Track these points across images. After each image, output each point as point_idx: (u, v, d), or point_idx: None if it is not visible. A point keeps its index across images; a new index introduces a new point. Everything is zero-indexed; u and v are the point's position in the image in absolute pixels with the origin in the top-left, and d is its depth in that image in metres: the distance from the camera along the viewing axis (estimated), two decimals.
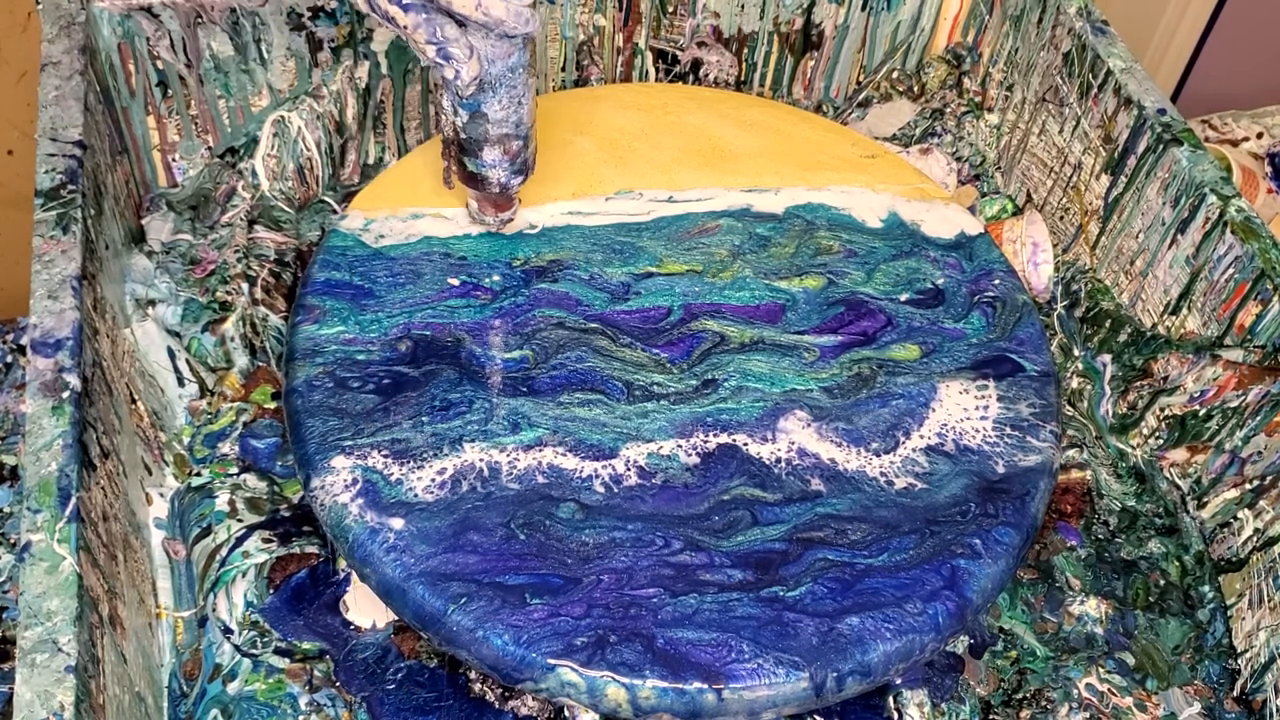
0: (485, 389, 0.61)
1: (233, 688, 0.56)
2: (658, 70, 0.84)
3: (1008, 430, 0.62)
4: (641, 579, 0.54)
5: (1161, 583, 0.65)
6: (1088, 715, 0.59)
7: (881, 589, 0.55)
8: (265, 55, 0.71)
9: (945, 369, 0.65)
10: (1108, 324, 0.73)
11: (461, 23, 0.56)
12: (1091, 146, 0.75)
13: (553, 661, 0.51)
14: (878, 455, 0.61)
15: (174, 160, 0.73)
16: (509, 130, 0.61)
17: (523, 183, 0.65)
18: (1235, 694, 0.61)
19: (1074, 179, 0.77)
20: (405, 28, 0.56)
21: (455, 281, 0.66)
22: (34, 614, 0.45)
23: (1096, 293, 0.74)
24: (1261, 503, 0.63)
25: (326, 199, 0.76)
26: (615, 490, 0.58)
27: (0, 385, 0.72)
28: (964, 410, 0.63)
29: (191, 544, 0.60)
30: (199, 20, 0.68)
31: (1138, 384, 0.70)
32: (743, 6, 0.82)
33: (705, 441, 0.60)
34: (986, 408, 0.63)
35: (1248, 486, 0.64)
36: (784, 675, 0.52)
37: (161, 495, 0.62)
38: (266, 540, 0.60)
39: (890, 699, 0.58)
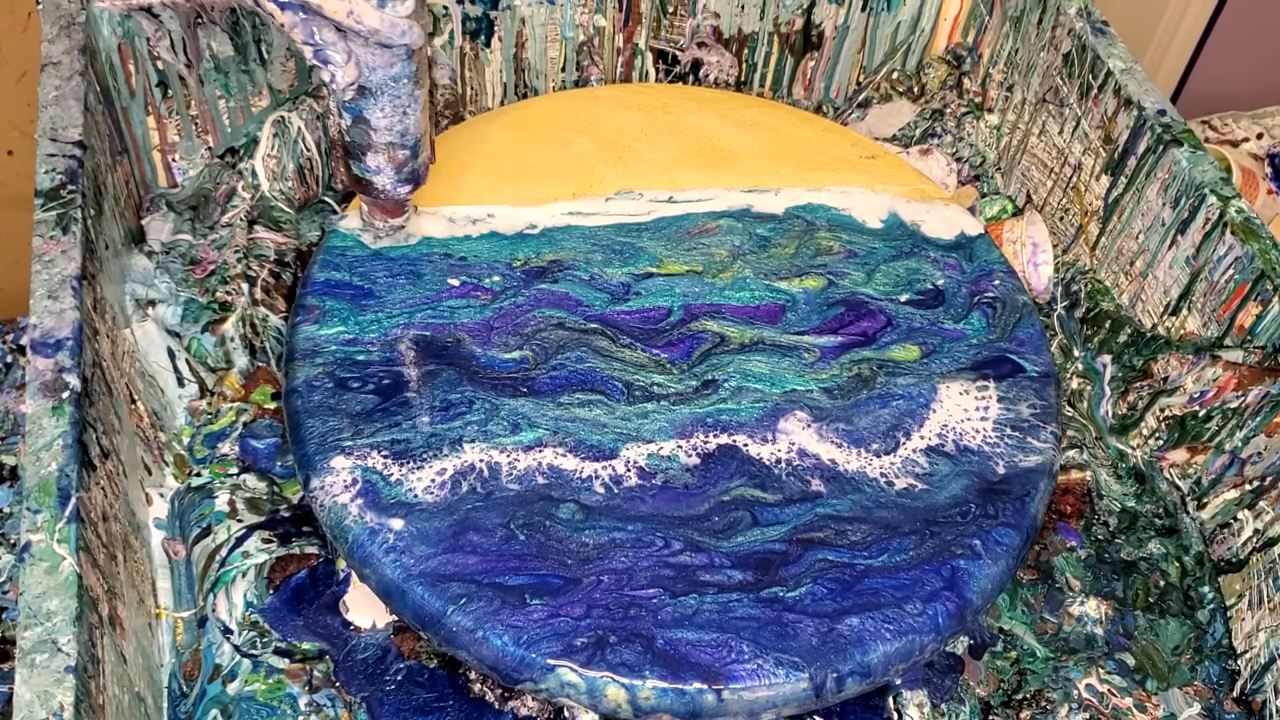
0: (486, 389, 0.61)
1: (232, 688, 0.56)
2: (658, 71, 0.84)
3: (1008, 431, 0.62)
4: (641, 579, 0.54)
5: (1161, 583, 0.65)
6: (1088, 716, 0.59)
7: (881, 590, 0.55)
8: (265, 55, 0.71)
9: (945, 369, 0.65)
10: (1108, 325, 0.73)
11: (340, 28, 0.56)
12: (1091, 147, 0.75)
13: (552, 662, 0.51)
14: (878, 456, 0.61)
15: (174, 160, 0.73)
16: (393, 139, 0.61)
17: (412, 191, 0.65)
18: (1235, 695, 0.61)
19: (1074, 180, 0.77)
20: (282, 26, 0.56)
21: (455, 282, 0.66)
22: (34, 614, 0.45)
23: (1096, 293, 0.74)
24: (1261, 503, 0.63)
25: (326, 199, 0.76)
26: (615, 491, 0.58)
27: (0, 385, 0.72)
28: (964, 411, 0.63)
29: (191, 544, 0.60)
30: (199, 20, 0.68)
31: (1138, 385, 0.70)
32: (743, 7, 0.82)
33: (705, 442, 0.60)
34: (987, 408, 0.63)
35: (1247, 487, 0.64)
36: (784, 676, 0.52)
37: (161, 495, 0.62)
38: (266, 540, 0.60)
39: (890, 699, 0.58)
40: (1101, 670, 0.61)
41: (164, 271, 0.68)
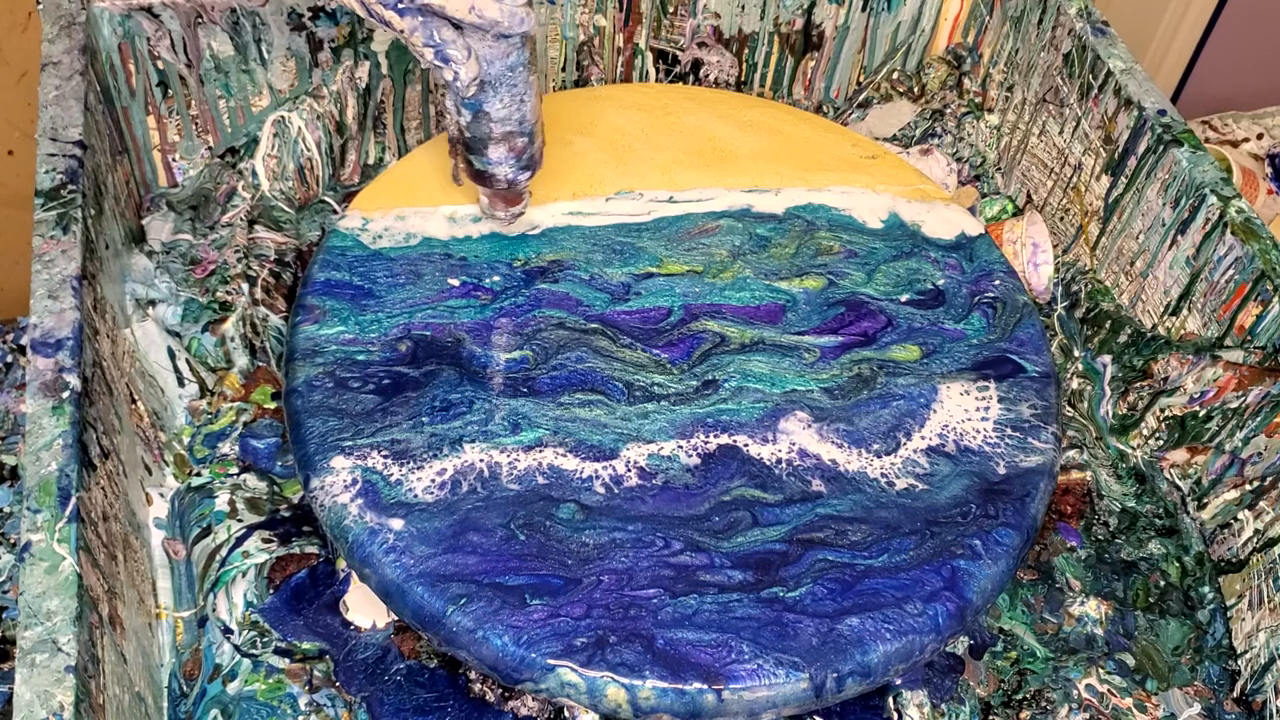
0: (486, 389, 0.61)
1: (232, 688, 0.56)
2: (658, 71, 0.84)
3: (1008, 431, 0.62)
4: (642, 580, 0.54)
5: (1161, 584, 0.65)
6: (1088, 716, 0.59)
7: (881, 590, 0.55)
8: (265, 55, 0.71)
9: (946, 370, 0.65)
10: (1108, 325, 0.73)
11: (458, 25, 0.56)
12: (1092, 147, 0.75)
13: (553, 662, 0.51)
14: (879, 456, 0.61)
15: (174, 160, 0.73)
16: (513, 128, 0.61)
17: (530, 178, 0.65)
18: (1235, 695, 0.61)
19: (1074, 180, 0.77)
20: (402, 31, 0.56)
21: (455, 282, 0.66)
22: (34, 614, 0.45)
23: (1097, 293, 0.74)
24: (1261, 504, 0.63)
25: (327, 199, 0.76)
26: (615, 491, 0.58)
27: (0, 385, 0.72)
28: (965, 411, 0.63)
29: (191, 544, 0.60)
30: (199, 20, 0.68)
31: (1138, 385, 0.70)
32: (743, 7, 0.82)
33: (706, 442, 0.60)
34: (987, 409, 0.63)
35: (1248, 487, 0.64)
36: (784, 676, 0.52)
37: (161, 495, 0.62)
38: (266, 540, 0.60)
39: (890, 700, 0.58)
40: (1101, 670, 0.61)
41: (164, 271, 0.68)
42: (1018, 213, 0.82)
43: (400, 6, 0.55)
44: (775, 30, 0.83)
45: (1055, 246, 0.78)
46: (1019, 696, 0.60)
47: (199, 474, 0.63)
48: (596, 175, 0.73)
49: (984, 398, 0.64)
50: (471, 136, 0.62)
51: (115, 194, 0.67)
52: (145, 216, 0.71)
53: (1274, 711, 0.59)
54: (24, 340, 0.72)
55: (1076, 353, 0.73)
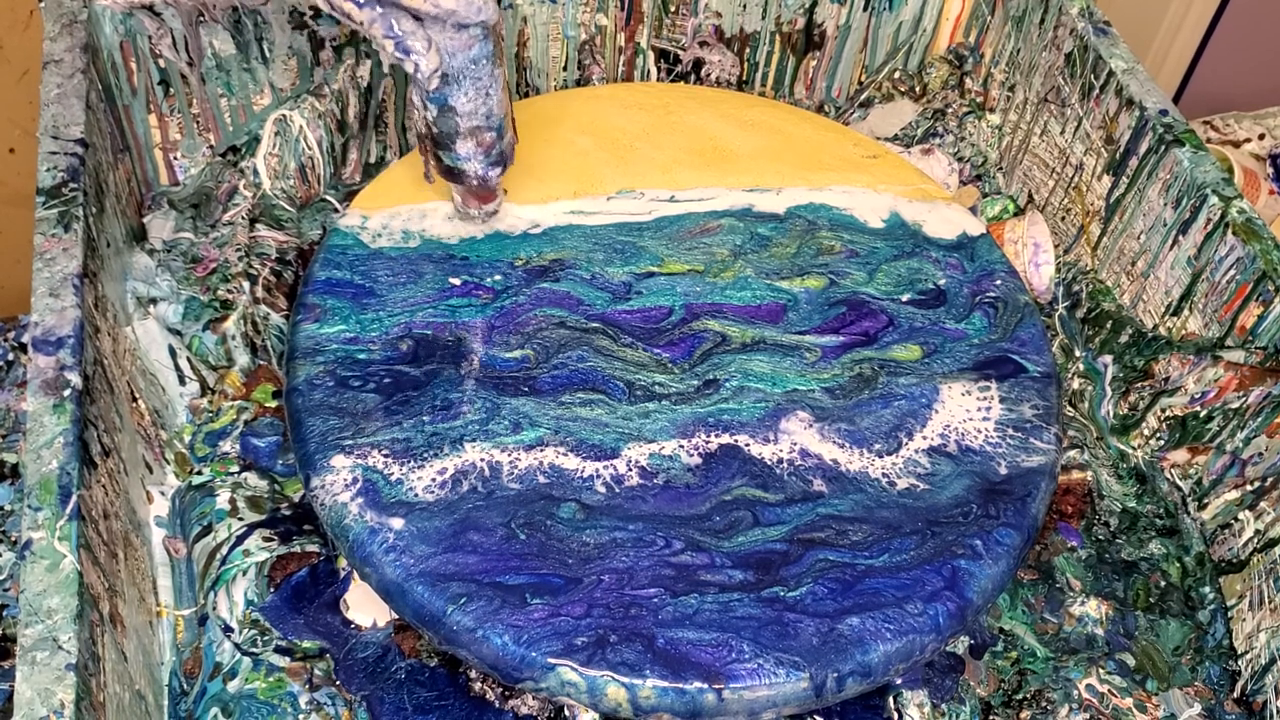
0: (485, 387, 0.61)
1: (233, 686, 0.56)
2: (659, 70, 0.84)
3: (1010, 431, 0.62)
4: (642, 579, 0.54)
5: (1162, 584, 0.65)
6: (1088, 716, 0.59)
7: (882, 589, 0.55)
8: (267, 54, 0.71)
9: (947, 370, 0.65)
10: (1109, 325, 0.73)
11: (417, 16, 0.56)
12: (1093, 147, 0.75)
13: (553, 661, 0.51)
14: (880, 456, 0.61)
15: (176, 158, 0.73)
16: (480, 123, 0.61)
17: (502, 173, 0.65)
18: (1235, 695, 0.61)
19: (1075, 180, 0.77)
20: (361, 24, 0.56)
21: (456, 281, 0.66)
22: (34, 612, 0.45)
23: (1098, 294, 0.74)
24: (1262, 504, 0.63)
25: (328, 198, 0.76)
26: (616, 490, 0.58)
27: (1, 383, 0.72)
28: (966, 411, 0.63)
29: (192, 542, 0.60)
30: (201, 19, 0.68)
31: (1139, 385, 0.70)
32: (745, 6, 0.82)
33: (707, 442, 0.60)
34: (989, 409, 0.63)
35: (1248, 488, 0.64)
36: (784, 675, 0.52)
37: (162, 493, 0.62)
38: (267, 539, 0.60)
39: (890, 699, 0.58)
40: (1102, 670, 0.61)
41: (165, 269, 0.68)
42: (1019, 212, 0.82)
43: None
44: (777, 29, 0.83)
45: (1056, 246, 0.78)
46: (1019, 696, 0.60)
47: (200, 472, 0.63)
48: (598, 174, 0.73)
49: (985, 398, 0.64)
50: (439, 132, 0.62)
51: (117, 192, 0.67)
52: (146, 215, 0.71)
53: (1274, 712, 0.59)
54: (25, 338, 0.72)
55: (1078, 353, 0.73)
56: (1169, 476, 0.68)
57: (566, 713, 0.56)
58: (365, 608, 0.59)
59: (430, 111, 0.61)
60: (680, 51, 0.83)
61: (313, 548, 0.60)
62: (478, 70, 0.59)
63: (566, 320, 0.65)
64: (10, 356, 0.73)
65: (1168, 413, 0.68)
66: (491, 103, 0.61)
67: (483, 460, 0.58)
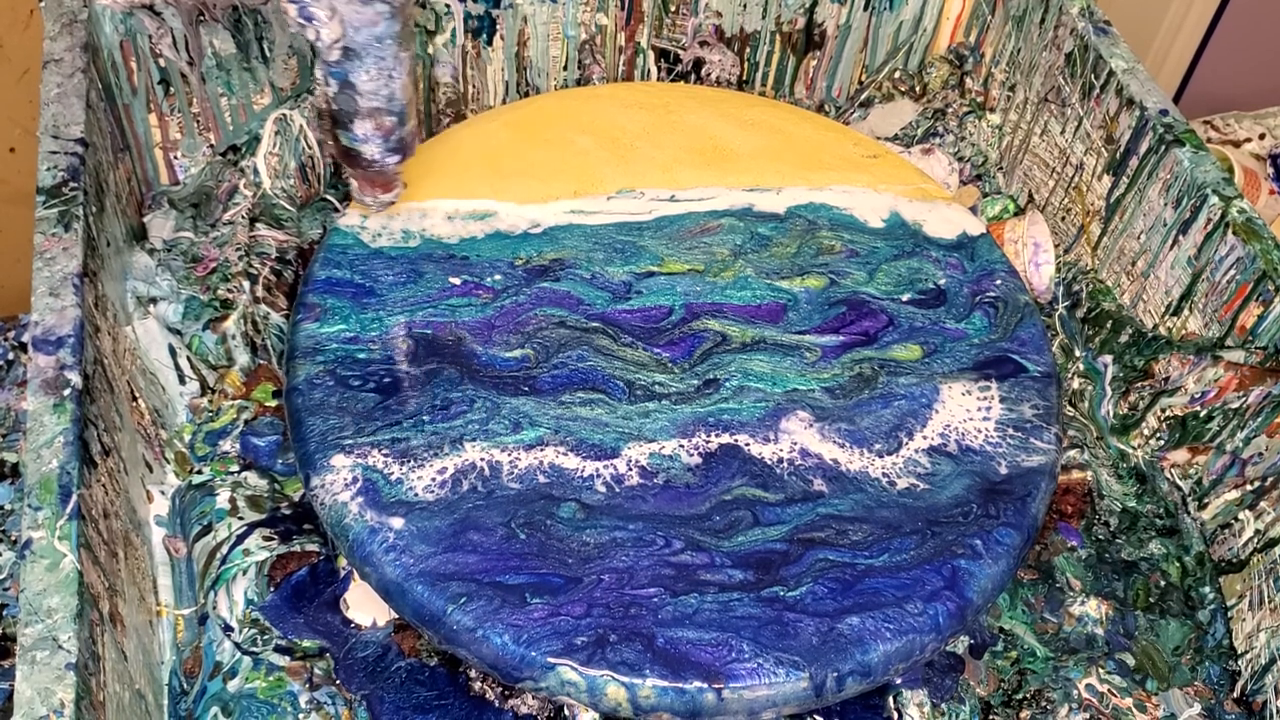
0: (485, 387, 0.61)
1: (233, 685, 0.56)
2: (660, 69, 0.84)
3: (1010, 431, 0.62)
4: (642, 579, 0.54)
5: (1162, 584, 0.65)
6: (1088, 716, 0.59)
7: (882, 589, 0.55)
8: (267, 53, 0.71)
9: (947, 369, 0.65)
10: (1109, 325, 0.72)
11: None
12: (1093, 147, 0.75)
13: (553, 660, 0.51)
14: (880, 456, 0.61)
15: (176, 158, 0.73)
16: (380, 104, 0.61)
17: (400, 162, 0.65)
18: (1235, 695, 0.61)
19: (1076, 179, 0.77)
20: None
21: (456, 280, 0.66)
22: (34, 611, 0.45)
23: (1098, 293, 0.74)
24: (1262, 504, 0.63)
25: (328, 197, 0.76)
26: (616, 490, 0.58)
27: (1, 382, 0.72)
28: (966, 411, 0.63)
29: (192, 541, 0.60)
30: (201, 18, 0.68)
31: (1139, 385, 0.70)
32: (745, 6, 0.82)
33: (707, 441, 0.60)
34: (989, 408, 0.63)
35: (1248, 488, 0.64)
36: (784, 675, 0.52)
37: (162, 493, 0.62)
38: (267, 538, 0.60)
39: (890, 699, 0.58)
40: (1102, 670, 0.61)
41: (165, 269, 0.68)
42: (1019, 212, 0.82)
43: None
44: (777, 29, 0.83)
45: (1056, 246, 0.78)
46: (1019, 696, 0.60)
47: (200, 471, 0.63)
48: (598, 174, 0.73)
49: (985, 397, 0.64)
50: (338, 109, 0.61)
51: (117, 191, 0.67)
52: (147, 214, 0.71)
53: (1274, 712, 0.59)
54: (25, 337, 0.72)
55: (1078, 352, 0.73)
56: (1169, 476, 0.68)
57: (566, 712, 0.56)
58: (365, 607, 0.59)
59: (331, 86, 0.60)
60: (680, 51, 0.83)
61: (313, 547, 0.60)
62: (381, 49, 0.59)
63: (566, 320, 0.65)
64: (10, 356, 0.73)
65: (1168, 413, 0.68)
66: (394, 86, 0.60)
67: (483, 460, 0.58)
